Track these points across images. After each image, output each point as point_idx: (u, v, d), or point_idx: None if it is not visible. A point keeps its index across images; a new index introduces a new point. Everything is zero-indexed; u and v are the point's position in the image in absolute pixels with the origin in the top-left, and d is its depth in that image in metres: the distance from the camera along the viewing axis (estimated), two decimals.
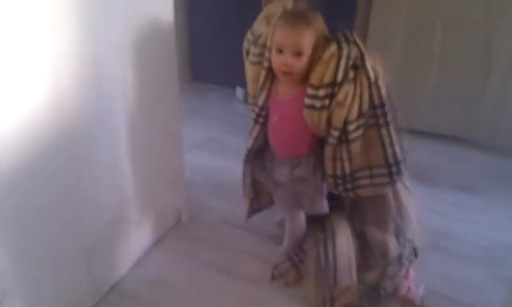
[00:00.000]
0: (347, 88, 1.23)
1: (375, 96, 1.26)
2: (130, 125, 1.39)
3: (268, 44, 1.34)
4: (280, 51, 1.27)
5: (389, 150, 1.32)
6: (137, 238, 1.57)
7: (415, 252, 1.53)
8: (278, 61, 1.28)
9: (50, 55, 1.06)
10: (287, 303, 1.43)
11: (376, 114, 1.28)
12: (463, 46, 2.24)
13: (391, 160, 1.33)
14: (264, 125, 1.44)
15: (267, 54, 1.35)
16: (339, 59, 1.24)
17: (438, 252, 1.64)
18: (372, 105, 1.27)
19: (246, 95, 2.79)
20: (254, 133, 1.46)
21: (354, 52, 1.24)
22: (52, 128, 1.10)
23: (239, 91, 2.86)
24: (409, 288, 1.42)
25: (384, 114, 1.28)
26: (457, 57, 2.27)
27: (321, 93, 1.25)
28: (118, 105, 1.32)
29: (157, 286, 1.49)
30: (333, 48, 1.26)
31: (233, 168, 1.80)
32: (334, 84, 1.24)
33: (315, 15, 1.29)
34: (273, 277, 1.50)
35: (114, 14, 1.23)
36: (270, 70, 1.36)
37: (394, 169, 1.34)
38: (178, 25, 1.59)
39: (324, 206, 1.48)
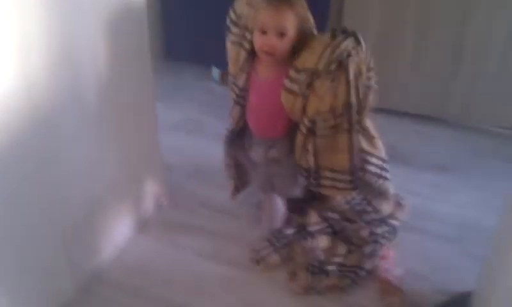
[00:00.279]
0: (325, 80, 1.24)
1: (352, 97, 1.26)
2: (102, 107, 1.35)
3: (250, 26, 1.33)
4: (263, 32, 1.27)
5: (356, 158, 1.35)
6: (117, 224, 1.55)
7: (393, 231, 1.57)
8: (260, 41, 1.29)
9: (17, 35, 1.02)
10: (269, 286, 1.45)
11: (349, 118, 1.29)
12: (436, 26, 2.26)
13: (356, 168, 1.36)
14: (244, 106, 1.45)
15: (248, 36, 1.35)
16: (327, 48, 1.24)
17: (413, 232, 1.68)
18: (346, 106, 1.27)
19: (221, 75, 2.76)
20: (234, 114, 1.48)
21: (345, 45, 1.24)
22: (21, 111, 1.07)
23: (215, 71, 2.83)
24: (387, 269, 1.45)
25: (358, 120, 1.30)
26: (431, 37, 2.29)
27: (301, 77, 1.26)
28: (89, 86, 1.29)
29: (138, 272, 1.48)
30: (326, 38, 1.27)
31: (211, 150, 1.80)
32: (315, 72, 1.25)
33: None
34: (255, 261, 1.51)
35: None
36: (251, 51, 1.36)
37: (357, 176, 1.38)
38: (151, 1, 1.54)
39: (295, 189, 1.50)
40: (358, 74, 1.26)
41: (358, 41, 1.27)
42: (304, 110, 1.30)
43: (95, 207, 1.42)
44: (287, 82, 1.29)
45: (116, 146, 1.46)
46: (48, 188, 1.21)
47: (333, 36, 1.27)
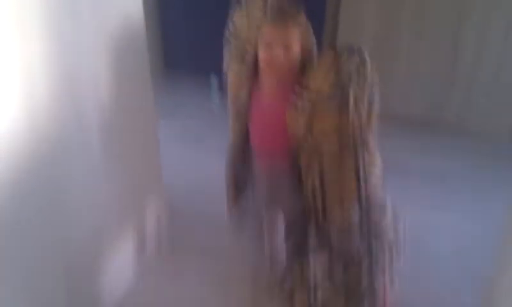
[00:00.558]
0: (330, 102, 1.24)
1: (354, 122, 1.26)
2: (105, 132, 1.36)
3: (251, 41, 1.33)
4: (269, 47, 1.27)
5: (362, 184, 1.34)
6: (119, 252, 1.55)
7: (390, 244, 1.55)
8: (266, 57, 1.28)
9: (20, 71, 1.02)
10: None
11: (353, 135, 1.28)
12: (432, 31, 2.28)
13: (362, 194, 1.36)
14: (245, 121, 1.45)
15: (249, 50, 1.34)
16: (330, 70, 1.24)
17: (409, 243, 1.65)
18: (350, 127, 1.27)
19: (220, 84, 2.75)
20: (235, 129, 1.47)
21: (348, 67, 1.23)
22: (25, 142, 1.07)
23: (214, 81, 2.82)
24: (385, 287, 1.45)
25: (361, 133, 1.29)
26: (427, 42, 2.30)
27: (306, 97, 1.26)
28: (92, 113, 1.30)
29: (141, 300, 1.51)
30: (330, 57, 1.26)
31: (212, 165, 1.80)
32: (319, 94, 1.25)
33: (298, 10, 1.29)
34: (254, 281, 1.52)
35: (82, 14, 1.20)
36: (252, 67, 1.35)
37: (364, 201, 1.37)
38: (150, 12, 1.54)
39: (297, 203, 1.49)
40: (361, 95, 1.25)
41: (363, 59, 1.26)
42: (307, 128, 1.29)
43: (97, 238, 1.41)
44: (292, 100, 1.28)
45: (118, 171, 1.47)
46: (50, 225, 1.20)
47: (338, 55, 1.26)
